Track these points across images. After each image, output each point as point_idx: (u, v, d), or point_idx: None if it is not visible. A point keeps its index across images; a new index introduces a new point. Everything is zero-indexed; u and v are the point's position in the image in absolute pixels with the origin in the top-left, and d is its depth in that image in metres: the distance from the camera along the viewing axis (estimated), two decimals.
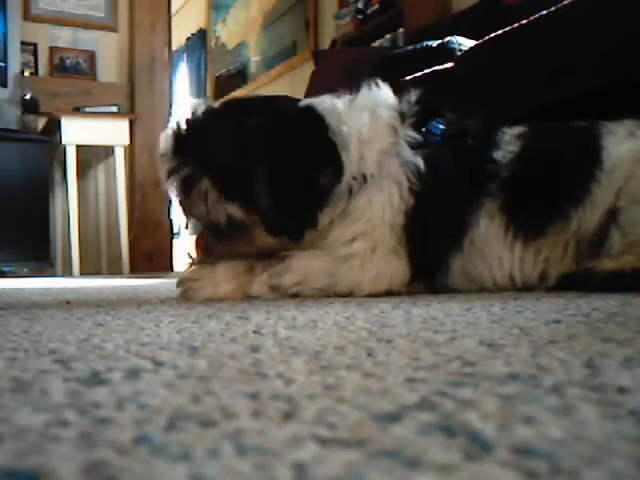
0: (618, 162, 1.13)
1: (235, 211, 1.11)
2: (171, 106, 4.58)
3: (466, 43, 2.28)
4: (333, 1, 4.53)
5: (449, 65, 1.96)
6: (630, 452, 0.26)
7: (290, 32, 5.11)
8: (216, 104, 1.18)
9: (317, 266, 1.14)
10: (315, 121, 1.15)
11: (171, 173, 1.14)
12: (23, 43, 4.11)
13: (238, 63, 5.94)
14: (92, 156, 4.16)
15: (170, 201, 4.32)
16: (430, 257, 1.16)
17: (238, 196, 1.11)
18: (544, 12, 1.65)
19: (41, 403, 0.37)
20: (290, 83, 4.97)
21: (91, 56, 4.43)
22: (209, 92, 6.43)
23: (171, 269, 4.43)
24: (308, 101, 1.22)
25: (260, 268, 1.15)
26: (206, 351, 0.54)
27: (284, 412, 0.34)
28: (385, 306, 0.91)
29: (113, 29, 4.49)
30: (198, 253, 1.25)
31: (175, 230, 4.64)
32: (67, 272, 3.98)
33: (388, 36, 3.70)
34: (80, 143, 3.81)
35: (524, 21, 1.70)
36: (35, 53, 4.29)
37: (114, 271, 4.16)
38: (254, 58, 5.68)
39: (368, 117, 1.17)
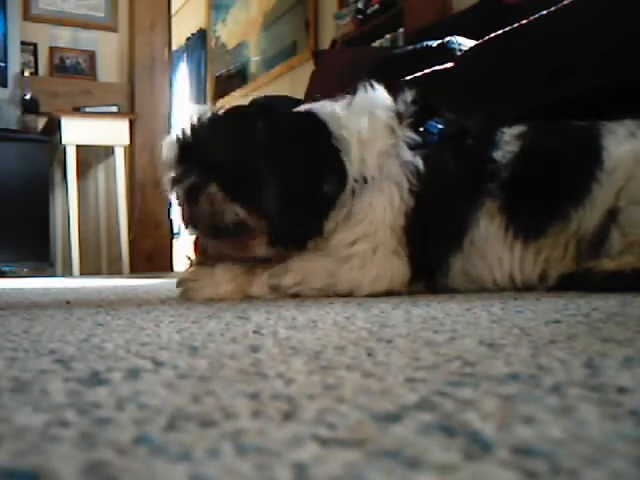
0: (618, 162, 1.13)
1: (242, 212, 1.11)
2: (171, 106, 4.58)
3: (466, 43, 2.27)
4: (333, 1, 4.52)
5: (449, 65, 1.96)
6: (630, 452, 0.26)
7: (290, 32, 5.10)
8: (219, 111, 1.17)
9: (317, 266, 1.14)
10: (317, 128, 1.15)
11: (176, 181, 1.13)
12: (23, 43, 4.11)
13: (238, 63, 5.93)
14: (92, 156, 4.16)
15: (170, 201, 4.30)
16: (430, 257, 1.16)
17: (246, 204, 1.10)
18: (544, 12, 1.64)
19: (41, 403, 0.37)
20: (290, 83, 4.97)
21: (91, 56, 4.43)
22: (209, 92, 6.43)
23: (171, 269, 4.43)
24: (308, 107, 1.22)
25: (260, 268, 1.15)
26: (206, 351, 0.54)
27: (284, 412, 0.34)
28: (385, 306, 0.91)
29: (113, 29, 4.49)
30: (197, 255, 1.25)
31: (175, 230, 4.64)
32: (67, 272, 3.98)
33: (388, 36, 3.70)
34: (80, 143, 3.81)
35: (524, 21, 1.70)
36: (35, 53, 4.29)
37: (114, 271, 4.16)
38: (254, 58, 5.68)
39: (367, 119, 1.17)
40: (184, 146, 1.13)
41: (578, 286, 1.09)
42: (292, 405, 0.35)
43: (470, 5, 2.97)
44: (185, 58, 6.97)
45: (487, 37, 1.83)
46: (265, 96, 1.31)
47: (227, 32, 6.19)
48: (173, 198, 1.16)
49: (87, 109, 3.97)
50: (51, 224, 4.02)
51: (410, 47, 2.61)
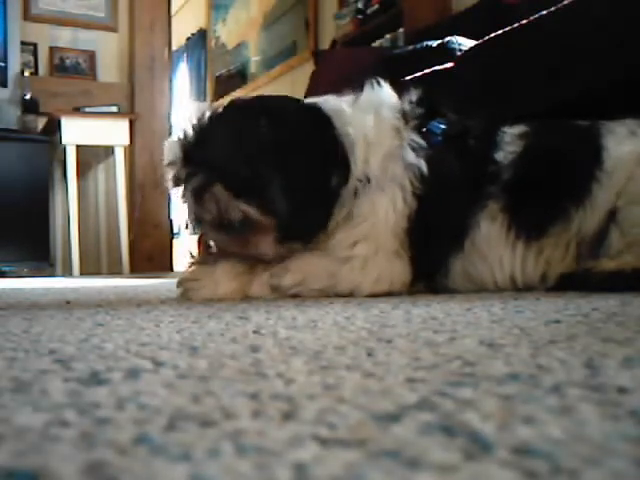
0: (619, 162, 1.13)
1: (248, 209, 1.10)
2: (171, 106, 4.58)
3: (466, 43, 2.28)
4: (333, 1, 4.52)
5: (449, 65, 1.96)
6: (630, 452, 0.26)
7: (290, 32, 5.10)
8: (219, 108, 1.16)
9: (318, 267, 1.14)
10: (322, 122, 1.15)
11: (181, 182, 1.13)
12: (23, 43, 4.10)
13: (238, 63, 5.93)
14: (92, 156, 4.16)
15: (170, 201, 4.33)
16: (431, 259, 1.16)
17: (251, 200, 1.10)
18: (544, 12, 1.64)
19: (41, 403, 0.37)
20: (290, 83, 4.97)
21: (91, 56, 4.43)
22: (209, 92, 6.43)
23: (171, 269, 4.43)
24: (312, 101, 1.22)
25: (260, 268, 1.15)
26: (206, 351, 0.54)
27: (284, 412, 0.34)
28: (385, 306, 0.91)
29: (113, 29, 4.49)
30: (200, 252, 1.24)
31: (175, 230, 4.64)
32: (67, 272, 3.98)
33: (388, 36, 3.70)
34: (80, 143, 3.81)
35: (524, 21, 1.70)
36: (35, 53, 4.29)
37: (114, 271, 4.16)
38: (254, 58, 5.68)
39: (373, 119, 1.16)
40: (187, 146, 1.12)
41: (578, 286, 1.09)
42: (292, 405, 0.35)
43: (470, 5, 2.98)
44: (185, 58, 6.97)
45: (487, 37, 1.83)
46: (258, 96, 1.29)
47: (227, 32, 6.19)
48: (177, 197, 1.15)
49: (87, 109, 3.97)
50: (51, 224, 4.02)
51: (410, 47, 2.62)
